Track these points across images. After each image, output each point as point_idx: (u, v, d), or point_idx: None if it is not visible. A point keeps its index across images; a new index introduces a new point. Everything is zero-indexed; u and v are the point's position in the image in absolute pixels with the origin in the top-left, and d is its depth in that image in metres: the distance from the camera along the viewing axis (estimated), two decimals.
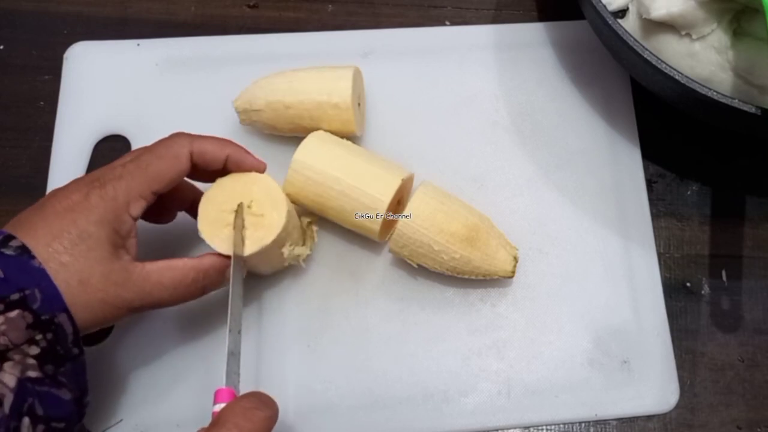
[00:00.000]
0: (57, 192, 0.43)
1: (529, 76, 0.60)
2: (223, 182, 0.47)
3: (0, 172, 0.57)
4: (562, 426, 0.51)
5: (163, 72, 0.59)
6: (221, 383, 0.41)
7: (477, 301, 0.53)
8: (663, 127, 0.59)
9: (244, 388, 0.42)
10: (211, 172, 0.47)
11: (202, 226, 0.46)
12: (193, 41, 0.61)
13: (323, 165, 0.50)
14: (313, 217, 0.53)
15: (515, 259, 0.51)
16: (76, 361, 0.40)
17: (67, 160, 0.56)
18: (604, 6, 0.50)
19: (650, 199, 0.56)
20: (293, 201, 0.51)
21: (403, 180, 0.50)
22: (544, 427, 0.51)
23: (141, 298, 0.42)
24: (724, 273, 0.55)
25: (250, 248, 0.45)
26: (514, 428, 0.51)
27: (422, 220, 0.49)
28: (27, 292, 0.37)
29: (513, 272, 0.51)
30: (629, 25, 0.55)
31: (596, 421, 0.51)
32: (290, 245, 0.49)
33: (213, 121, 0.56)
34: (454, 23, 0.63)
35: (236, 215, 0.45)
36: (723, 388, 0.52)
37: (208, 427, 0.38)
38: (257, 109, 0.54)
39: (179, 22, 0.62)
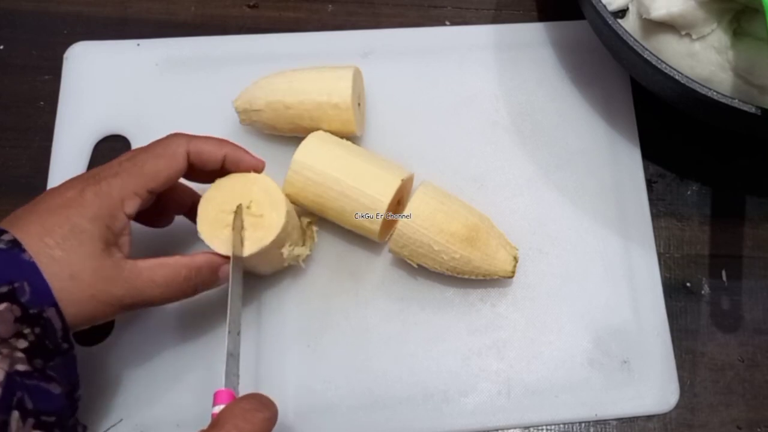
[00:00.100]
0: (52, 190, 0.43)
1: (529, 76, 0.60)
2: (222, 183, 0.47)
3: (0, 172, 0.57)
4: (562, 426, 0.51)
5: (163, 72, 0.59)
6: (221, 384, 0.41)
7: (477, 301, 0.53)
8: (663, 127, 0.59)
9: (244, 389, 0.42)
10: (210, 172, 0.47)
11: (202, 227, 0.45)
12: (193, 41, 0.61)
13: (323, 165, 0.50)
14: (312, 218, 0.53)
15: (515, 259, 0.51)
16: (66, 356, 0.40)
17: (67, 160, 0.56)
18: (604, 6, 0.50)
19: (650, 199, 0.56)
20: (293, 201, 0.51)
21: (403, 180, 0.50)
22: (544, 427, 0.51)
23: (132, 296, 0.42)
24: (724, 273, 0.55)
25: (249, 249, 0.45)
26: (514, 428, 0.51)
27: (422, 220, 0.49)
28: (16, 285, 0.37)
29: (513, 272, 0.51)
30: (629, 25, 0.55)
31: (596, 421, 0.51)
32: (290, 245, 0.49)
33: (213, 121, 0.56)
34: (454, 23, 0.63)
35: (235, 216, 0.45)
36: (723, 388, 0.52)
37: (208, 429, 0.38)
38: (257, 109, 0.54)
39: (179, 22, 0.62)
